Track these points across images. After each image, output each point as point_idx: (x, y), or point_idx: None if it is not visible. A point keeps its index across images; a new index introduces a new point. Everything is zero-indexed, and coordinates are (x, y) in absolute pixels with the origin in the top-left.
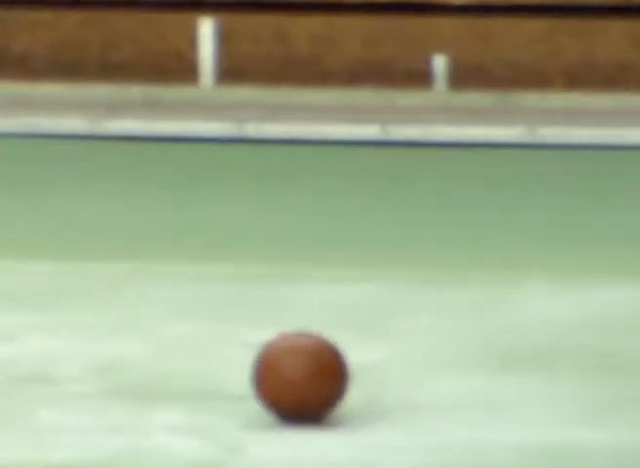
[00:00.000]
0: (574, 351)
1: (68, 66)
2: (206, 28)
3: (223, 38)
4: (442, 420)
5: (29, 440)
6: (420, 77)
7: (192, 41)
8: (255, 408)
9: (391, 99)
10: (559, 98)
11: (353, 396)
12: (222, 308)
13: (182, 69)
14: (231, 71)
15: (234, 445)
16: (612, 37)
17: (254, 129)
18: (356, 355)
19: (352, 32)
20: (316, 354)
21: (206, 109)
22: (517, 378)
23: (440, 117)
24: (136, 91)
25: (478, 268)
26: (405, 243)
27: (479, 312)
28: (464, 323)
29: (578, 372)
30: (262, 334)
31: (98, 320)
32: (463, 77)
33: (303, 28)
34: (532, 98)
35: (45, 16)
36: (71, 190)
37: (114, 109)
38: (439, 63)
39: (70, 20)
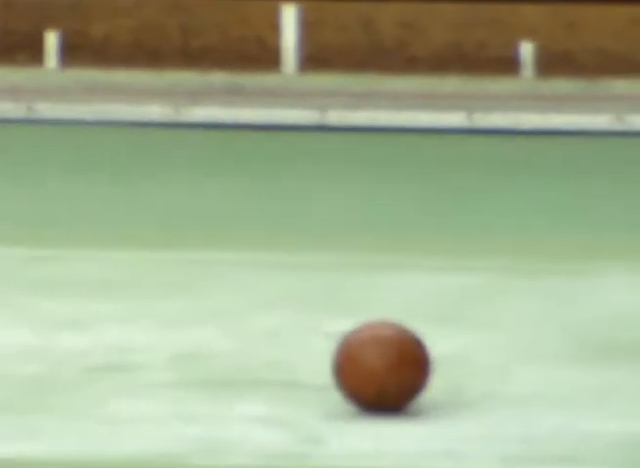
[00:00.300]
0: None
1: (149, 53)
2: (289, 15)
3: (307, 25)
4: (528, 411)
5: (106, 430)
6: (507, 64)
7: (275, 28)
8: (336, 398)
9: (477, 87)
10: None
11: (437, 385)
12: (304, 298)
13: (265, 56)
14: (315, 58)
15: (315, 435)
16: None
17: (337, 117)
18: (441, 344)
19: (438, 19)
20: (397, 343)
21: (289, 97)
22: (605, 369)
23: (527, 105)
24: (218, 78)
25: (568, 257)
26: (492, 232)
27: (568, 302)
28: (553, 312)
29: None
30: (344, 324)
31: (177, 309)
32: (551, 64)
33: (389, 15)
34: (620, 86)
35: (125, 1)
36: (154, 179)
37: (196, 97)
38: (526, 50)
39: (151, 6)
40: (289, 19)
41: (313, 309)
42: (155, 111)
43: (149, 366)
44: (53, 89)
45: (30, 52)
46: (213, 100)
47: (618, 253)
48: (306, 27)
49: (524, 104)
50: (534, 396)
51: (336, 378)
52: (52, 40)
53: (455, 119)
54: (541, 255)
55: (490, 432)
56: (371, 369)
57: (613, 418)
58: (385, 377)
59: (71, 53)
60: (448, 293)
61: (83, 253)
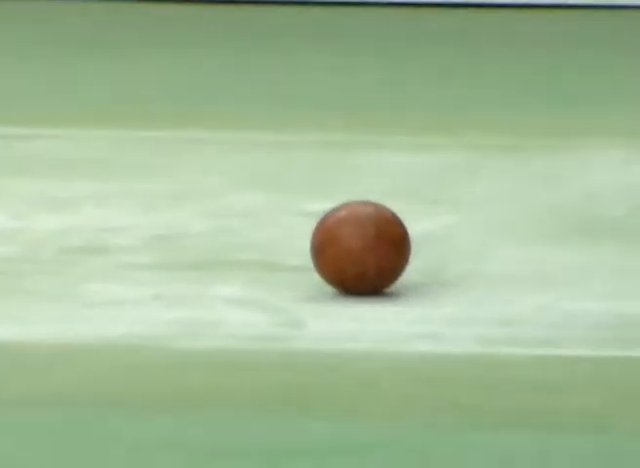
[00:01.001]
0: None
1: None
2: None
3: None
4: (507, 291)
5: (85, 314)
6: None
7: None
8: (314, 279)
9: None
10: None
11: (415, 266)
12: (281, 177)
13: None
14: None
15: (294, 318)
16: None
17: None
18: (419, 224)
19: None
20: (376, 223)
21: None
22: (587, 247)
23: None
24: None
25: (551, 134)
26: (475, 108)
27: (548, 179)
28: (533, 190)
29: None
30: (322, 204)
31: (153, 189)
32: None
33: None
34: None
35: None
36: (129, 53)
37: None
38: None
39: None
40: None
41: (290, 189)
42: None
43: (126, 247)
44: None
45: None
46: None
47: (598, 128)
48: None
49: None
50: (514, 276)
51: (314, 260)
52: None
53: None
54: (520, 132)
55: (469, 313)
56: (349, 248)
57: (595, 298)
58: (364, 257)
59: None
60: (426, 172)
61: (57, 132)
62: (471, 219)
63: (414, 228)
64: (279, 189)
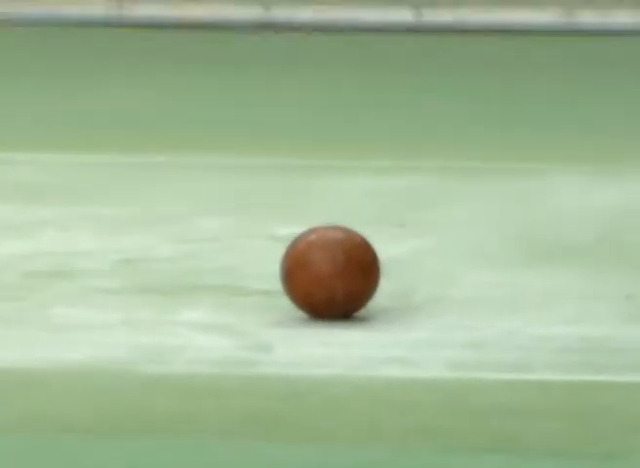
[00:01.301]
0: (613, 244)
1: None
2: None
3: None
4: (475, 316)
5: (49, 338)
6: None
7: None
8: (283, 304)
9: None
10: None
11: (384, 291)
12: (247, 202)
13: None
14: None
15: (262, 342)
16: None
17: (282, 14)
18: (387, 248)
19: None
20: (345, 248)
21: None
22: (553, 271)
23: (473, 0)
24: None
25: (512, 159)
26: (439, 134)
27: (514, 203)
28: (498, 214)
29: (617, 266)
30: (290, 228)
31: (119, 213)
32: None
33: None
34: None
35: None
36: (92, 80)
37: None
38: None
39: None
40: None
41: (257, 213)
42: (95, 10)
43: (92, 272)
44: None
45: None
46: None
47: (563, 153)
48: None
49: (470, 0)
50: (481, 300)
51: (284, 284)
52: None
53: (401, 16)
54: (485, 156)
55: (438, 338)
56: (319, 273)
57: (561, 322)
58: (333, 282)
59: None
60: (395, 196)
61: (19, 157)
62: (440, 243)
63: (383, 253)
64: (247, 214)
